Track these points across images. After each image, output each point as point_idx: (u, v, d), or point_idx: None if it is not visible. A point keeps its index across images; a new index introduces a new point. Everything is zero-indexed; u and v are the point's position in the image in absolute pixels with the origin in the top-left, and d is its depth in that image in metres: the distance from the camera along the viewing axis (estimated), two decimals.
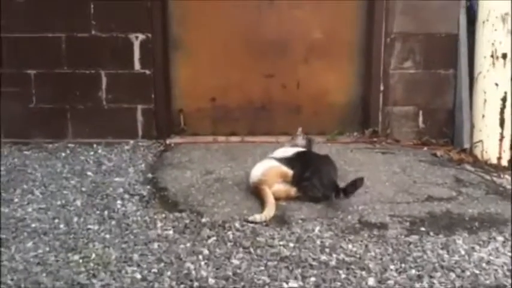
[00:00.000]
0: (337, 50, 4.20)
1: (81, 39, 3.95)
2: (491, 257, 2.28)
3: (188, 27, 4.13)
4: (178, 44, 4.16)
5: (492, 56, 3.65)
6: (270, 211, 2.65)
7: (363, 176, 2.79)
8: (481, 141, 3.71)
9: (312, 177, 2.82)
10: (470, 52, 3.88)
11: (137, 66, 3.99)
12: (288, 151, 3.11)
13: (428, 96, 4.10)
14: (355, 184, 2.73)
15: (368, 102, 4.17)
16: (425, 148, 3.99)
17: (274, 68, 4.20)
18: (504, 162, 3.67)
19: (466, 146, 3.82)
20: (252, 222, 2.58)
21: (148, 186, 3.12)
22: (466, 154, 3.77)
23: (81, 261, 2.17)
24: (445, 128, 4.09)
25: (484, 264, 2.22)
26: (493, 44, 3.65)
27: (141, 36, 3.96)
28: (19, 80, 3.97)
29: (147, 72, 4.00)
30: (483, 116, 3.71)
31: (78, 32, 3.94)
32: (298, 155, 3.05)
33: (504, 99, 3.65)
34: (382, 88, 4.10)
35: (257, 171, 2.92)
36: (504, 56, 3.63)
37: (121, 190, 3.05)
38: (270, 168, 2.90)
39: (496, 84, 3.66)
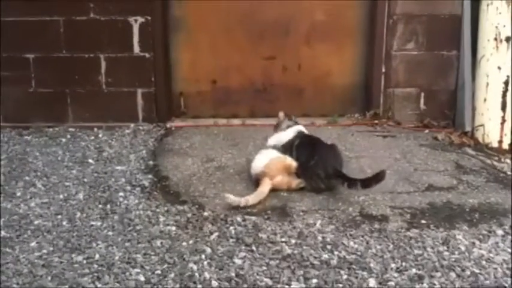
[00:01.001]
0: (339, 31, 4.16)
1: (80, 22, 3.91)
2: (490, 254, 2.29)
3: (188, 9, 4.09)
4: (178, 27, 4.11)
5: (496, 39, 3.61)
6: (253, 199, 2.67)
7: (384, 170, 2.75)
8: (482, 125, 3.70)
9: (317, 169, 2.82)
10: (473, 33, 3.83)
11: (137, 49, 3.96)
12: (285, 136, 3.10)
13: (431, 77, 4.08)
14: (377, 177, 2.71)
15: (370, 84, 4.15)
16: (426, 131, 3.99)
17: (276, 49, 4.17)
18: (505, 146, 3.68)
19: (468, 129, 3.81)
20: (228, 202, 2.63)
21: (150, 176, 3.12)
22: (467, 137, 3.78)
23: (85, 262, 2.19)
24: (447, 110, 4.07)
25: (484, 262, 2.23)
26: (496, 27, 3.61)
27: (140, 19, 3.91)
28: (18, 64, 3.94)
29: (147, 55, 3.96)
30: (485, 100, 3.69)
31: (77, 15, 3.90)
32: (302, 143, 3.00)
33: (506, 83, 3.63)
34: (384, 70, 4.07)
35: (260, 163, 2.89)
36: (508, 39, 3.59)
37: (123, 180, 3.05)
38: (272, 160, 2.87)
39: (499, 68, 3.63)
